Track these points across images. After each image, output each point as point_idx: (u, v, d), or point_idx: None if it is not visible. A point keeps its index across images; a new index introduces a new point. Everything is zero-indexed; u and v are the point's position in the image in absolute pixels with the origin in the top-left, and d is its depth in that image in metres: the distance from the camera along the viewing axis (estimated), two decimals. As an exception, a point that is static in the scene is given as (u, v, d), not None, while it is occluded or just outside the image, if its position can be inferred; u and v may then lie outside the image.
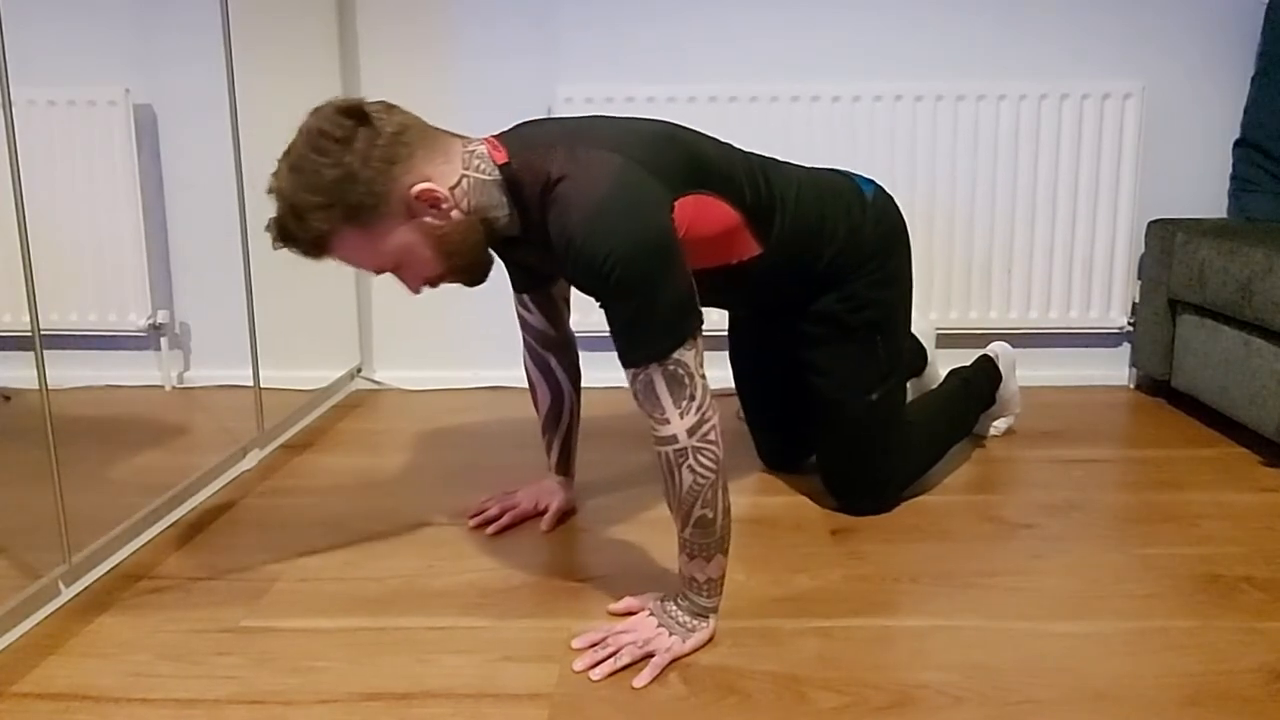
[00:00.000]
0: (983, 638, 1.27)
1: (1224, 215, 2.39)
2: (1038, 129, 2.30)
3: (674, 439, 1.19)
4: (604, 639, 1.24)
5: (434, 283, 1.31)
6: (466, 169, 1.27)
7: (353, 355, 2.49)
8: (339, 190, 1.18)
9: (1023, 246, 2.35)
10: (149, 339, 2.00)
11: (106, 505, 1.58)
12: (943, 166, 2.31)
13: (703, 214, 1.36)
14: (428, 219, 1.24)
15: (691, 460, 1.19)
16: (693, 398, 1.19)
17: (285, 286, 2.10)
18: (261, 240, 1.93)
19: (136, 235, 1.89)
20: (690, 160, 1.34)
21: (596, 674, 1.19)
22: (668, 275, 1.19)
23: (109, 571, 1.48)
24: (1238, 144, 2.32)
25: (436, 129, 1.28)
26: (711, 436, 1.20)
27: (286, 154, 1.21)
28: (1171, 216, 2.37)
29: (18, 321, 1.33)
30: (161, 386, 2.05)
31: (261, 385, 1.97)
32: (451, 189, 1.25)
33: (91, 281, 1.86)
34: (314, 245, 1.22)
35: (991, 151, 2.31)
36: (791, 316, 1.62)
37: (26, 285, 1.30)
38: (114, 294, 1.90)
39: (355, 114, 1.19)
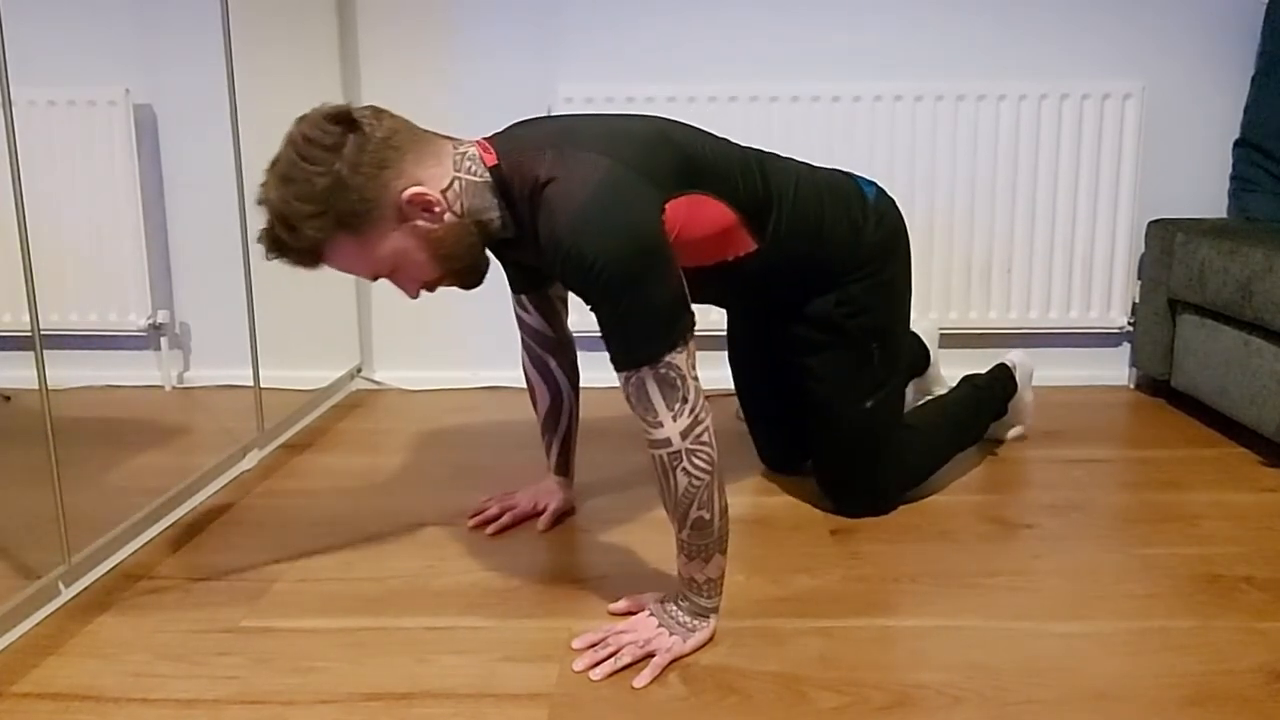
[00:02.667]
0: (983, 638, 1.27)
1: (1224, 215, 2.39)
2: (1038, 129, 2.30)
3: (668, 442, 1.18)
4: (604, 639, 1.24)
5: (431, 286, 1.30)
6: (458, 171, 1.26)
7: (352, 355, 2.49)
8: (331, 198, 1.16)
9: (1023, 246, 2.35)
10: (149, 339, 2.00)
11: (106, 505, 1.57)
12: (942, 167, 2.31)
13: (697, 214, 1.35)
14: (420, 223, 1.23)
15: (686, 463, 1.19)
16: (685, 400, 1.18)
17: (285, 286, 2.10)
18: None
19: (136, 235, 1.89)
20: (683, 159, 1.32)
21: (596, 674, 1.19)
22: (657, 278, 1.17)
23: (109, 572, 1.48)
24: (1238, 144, 2.32)
25: (426, 131, 1.26)
26: (705, 438, 1.19)
27: (274, 164, 1.19)
28: (1171, 216, 2.37)
29: (18, 321, 1.32)
30: (161, 386, 2.05)
31: (261, 385, 1.97)
32: (443, 192, 1.24)
33: (91, 281, 1.86)
34: (308, 254, 1.21)
35: (991, 151, 2.31)
36: (787, 316, 1.60)
37: (26, 285, 1.30)
38: (114, 294, 1.90)
39: (343, 120, 1.18)
